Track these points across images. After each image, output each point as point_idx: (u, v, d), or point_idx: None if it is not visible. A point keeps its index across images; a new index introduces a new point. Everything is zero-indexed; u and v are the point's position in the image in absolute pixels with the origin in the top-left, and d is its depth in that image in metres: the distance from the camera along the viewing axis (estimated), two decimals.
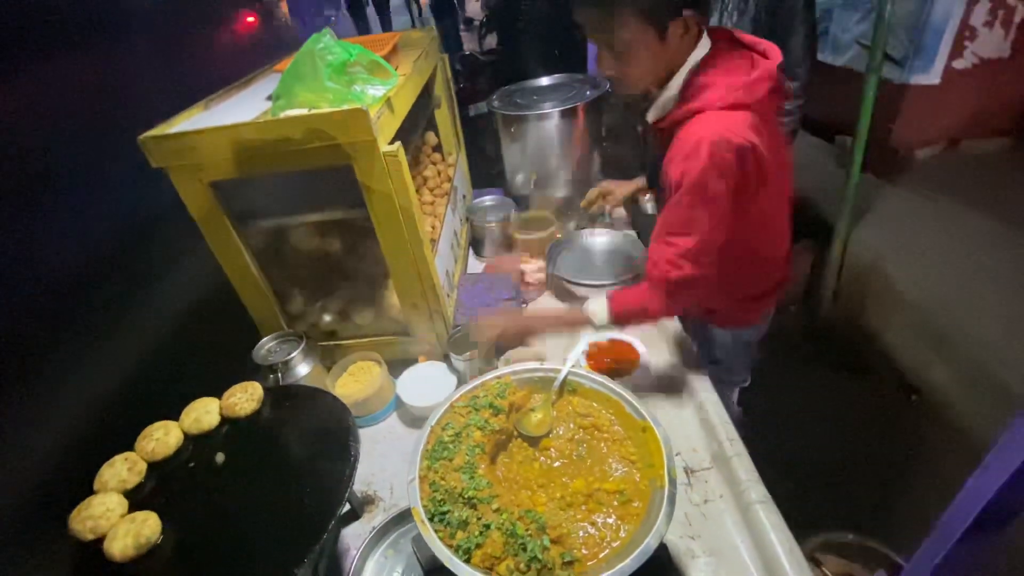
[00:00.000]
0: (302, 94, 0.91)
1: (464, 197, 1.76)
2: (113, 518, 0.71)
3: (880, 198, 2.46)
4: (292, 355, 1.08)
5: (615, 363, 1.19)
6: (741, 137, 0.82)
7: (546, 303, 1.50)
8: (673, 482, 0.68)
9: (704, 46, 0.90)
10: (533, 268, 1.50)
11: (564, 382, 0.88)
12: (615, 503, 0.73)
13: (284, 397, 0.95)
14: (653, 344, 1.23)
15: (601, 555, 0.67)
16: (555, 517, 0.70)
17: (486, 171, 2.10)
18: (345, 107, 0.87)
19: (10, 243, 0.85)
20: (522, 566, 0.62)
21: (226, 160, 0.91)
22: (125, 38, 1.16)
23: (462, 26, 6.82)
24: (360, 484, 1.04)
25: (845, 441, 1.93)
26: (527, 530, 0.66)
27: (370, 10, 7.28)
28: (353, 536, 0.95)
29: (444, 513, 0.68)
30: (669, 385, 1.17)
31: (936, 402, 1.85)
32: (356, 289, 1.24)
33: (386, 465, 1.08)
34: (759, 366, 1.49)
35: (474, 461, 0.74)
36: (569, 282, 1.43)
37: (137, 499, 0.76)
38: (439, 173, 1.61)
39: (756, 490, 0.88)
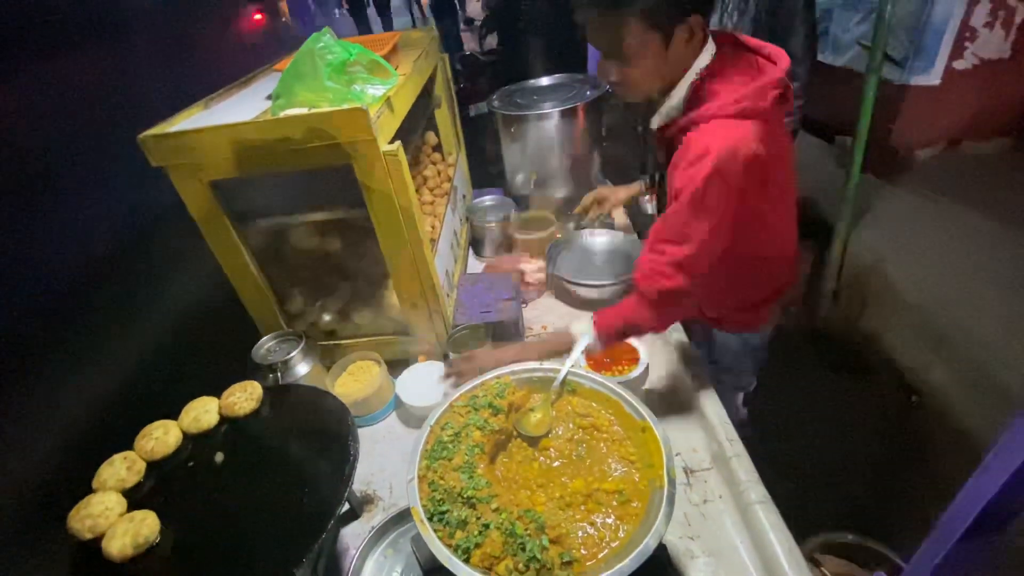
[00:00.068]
0: (302, 93, 0.91)
1: (464, 197, 1.76)
2: (112, 517, 0.71)
3: (880, 199, 2.46)
4: (291, 354, 1.08)
5: (615, 363, 1.19)
6: (747, 148, 0.81)
7: (546, 303, 1.50)
8: (672, 482, 0.68)
9: (709, 52, 0.88)
10: (533, 268, 1.50)
11: (563, 382, 0.88)
12: (614, 503, 0.72)
13: (283, 396, 0.95)
14: (653, 344, 1.23)
15: (600, 555, 0.66)
16: (554, 517, 0.70)
17: (486, 171, 2.10)
18: (345, 106, 0.87)
19: (10, 243, 0.85)
20: (521, 566, 0.62)
21: (226, 159, 0.91)
22: (125, 38, 1.16)
23: (462, 26, 6.82)
24: (359, 484, 1.04)
25: (845, 441, 1.93)
26: (526, 530, 0.66)
27: (371, 10, 7.29)
28: (352, 535, 0.95)
29: (443, 513, 0.68)
30: (669, 385, 1.18)
31: (936, 403, 1.85)
32: (356, 289, 1.24)
33: (385, 465, 1.08)
34: (763, 367, 1.48)
35: (473, 461, 0.74)
36: (569, 282, 1.43)
37: (136, 498, 0.76)
38: (439, 173, 1.61)
39: (756, 490, 0.88)
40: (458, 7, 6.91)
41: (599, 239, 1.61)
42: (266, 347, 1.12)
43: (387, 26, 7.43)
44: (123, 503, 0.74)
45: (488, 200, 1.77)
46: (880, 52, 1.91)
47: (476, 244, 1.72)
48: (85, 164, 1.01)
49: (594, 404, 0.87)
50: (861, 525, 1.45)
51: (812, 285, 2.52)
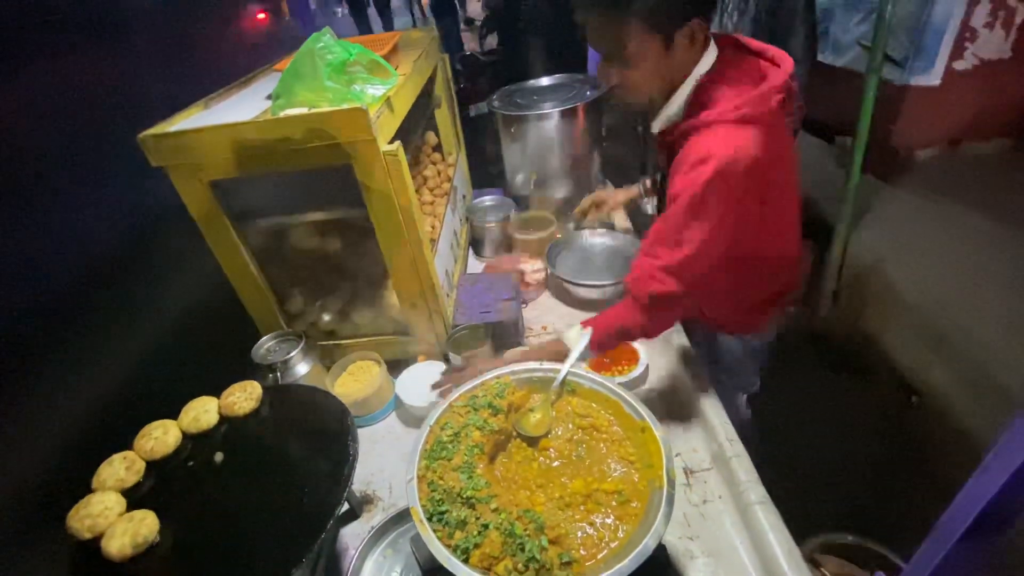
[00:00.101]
0: (302, 93, 0.91)
1: (464, 197, 1.76)
2: (111, 517, 0.71)
3: (880, 199, 2.46)
4: (291, 354, 1.08)
5: (614, 363, 1.19)
6: (748, 155, 0.80)
7: (546, 303, 1.50)
8: (672, 483, 0.68)
9: (711, 55, 0.87)
10: (533, 268, 1.50)
11: (563, 382, 0.88)
12: (614, 503, 0.72)
13: (283, 396, 0.95)
14: (653, 344, 1.23)
15: (599, 555, 0.66)
16: (553, 517, 0.70)
17: (486, 171, 2.10)
18: (345, 106, 0.87)
19: (10, 243, 0.85)
20: (520, 566, 0.62)
21: (226, 159, 0.91)
22: (125, 38, 1.16)
23: (463, 26, 6.81)
24: (359, 483, 1.04)
25: (844, 442, 1.93)
26: (525, 530, 0.66)
27: (371, 10, 7.29)
28: (352, 535, 0.95)
29: (442, 513, 0.67)
30: (669, 385, 1.17)
31: (936, 403, 1.84)
32: (355, 289, 1.24)
33: (385, 465, 1.08)
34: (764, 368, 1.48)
35: (473, 461, 0.74)
36: (569, 282, 1.43)
37: (135, 498, 0.76)
38: (439, 173, 1.61)
39: (755, 491, 0.88)
40: (458, 7, 6.91)
41: (599, 239, 1.61)
42: (266, 347, 1.12)
43: (387, 26, 7.42)
44: (122, 503, 0.74)
45: (488, 200, 1.77)
46: (880, 52, 1.91)
47: (476, 244, 1.72)
48: (85, 164, 1.01)
49: (594, 404, 0.87)
50: (861, 525, 1.45)
51: (812, 285, 2.52)
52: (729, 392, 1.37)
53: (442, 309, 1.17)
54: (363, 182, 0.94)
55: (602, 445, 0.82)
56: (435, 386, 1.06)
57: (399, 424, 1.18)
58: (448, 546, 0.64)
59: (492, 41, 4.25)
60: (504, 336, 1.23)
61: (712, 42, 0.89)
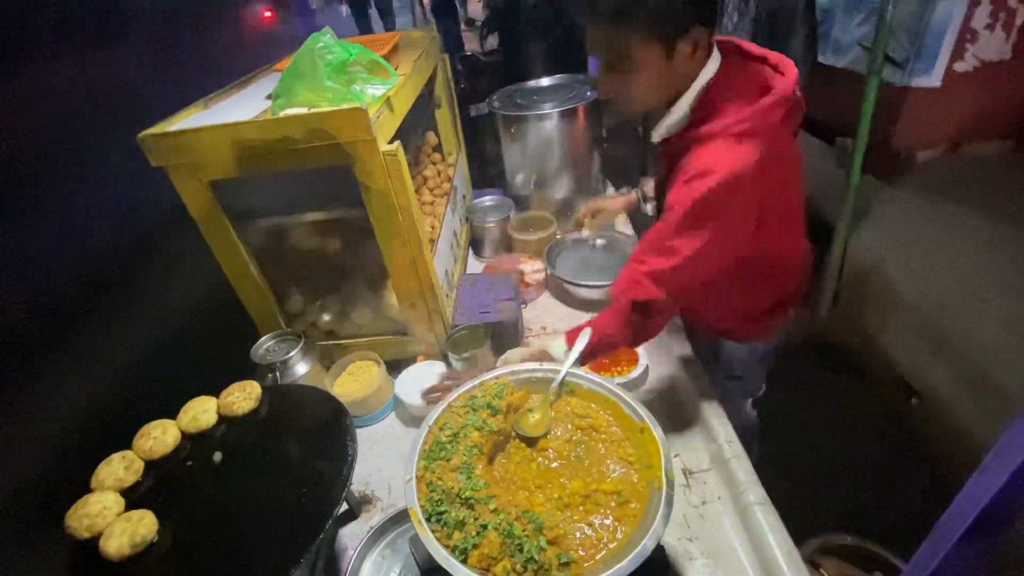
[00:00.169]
0: (302, 93, 0.91)
1: (464, 197, 1.76)
2: (109, 516, 0.71)
3: (880, 200, 2.46)
4: (290, 354, 1.08)
5: (614, 364, 1.19)
6: (748, 170, 0.78)
7: (545, 303, 1.49)
8: (671, 483, 0.68)
9: (714, 63, 0.85)
10: (532, 268, 1.50)
11: (562, 383, 0.88)
12: (612, 504, 0.72)
13: (282, 396, 0.95)
14: (652, 345, 1.23)
15: (598, 556, 0.66)
16: (552, 518, 0.69)
17: (486, 171, 2.10)
18: (344, 106, 0.87)
19: (10, 243, 0.85)
20: (519, 567, 0.62)
21: (225, 159, 0.91)
22: (125, 38, 1.16)
23: (463, 26, 6.81)
24: (358, 484, 1.04)
25: (844, 443, 1.93)
26: (524, 531, 0.65)
27: (372, 11, 7.29)
28: (350, 536, 0.95)
29: (441, 513, 0.67)
30: (668, 386, 1.17)
31: (936, 403, 1.84)
32: (355, 289, 1.24)
33: (384, 465, 1.08)
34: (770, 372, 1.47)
35: (471, 461, 0.74)
36: (568, 283, 1.43)
37: (134, 497, 0.76)
38: (439, 173, 1.62)
39: (755, 492, 0.88)
40: (459, 7, 6.91)
41: (599, 240, 1.61)
42: (265, 347, 1.12)
43: (388, 26, 7.42)
44: (121, 502, 0.74)
45: (488, 200, 1.77)
46: (881, 54, 1.91)
47: (476, 244, 1.72)
48: (85, 164, 1.01)
49: (593, 405, 0.87)
50: (860, 526, 1.45)
51: (812, 286, 2.52)
52: (736, 398, 1.37)
53: (441, 309, 1.17)
54: (363, 182, 0.94)
55: (601, 446, 0.82)
56: (424, 395, 1.07)
57: (398, 424, 1.18)
58: (447, 546, 0.64)
59: (493, 41, 4.25)
60: (504, 336, 1.23)
61: (716, 51, 0.86)
